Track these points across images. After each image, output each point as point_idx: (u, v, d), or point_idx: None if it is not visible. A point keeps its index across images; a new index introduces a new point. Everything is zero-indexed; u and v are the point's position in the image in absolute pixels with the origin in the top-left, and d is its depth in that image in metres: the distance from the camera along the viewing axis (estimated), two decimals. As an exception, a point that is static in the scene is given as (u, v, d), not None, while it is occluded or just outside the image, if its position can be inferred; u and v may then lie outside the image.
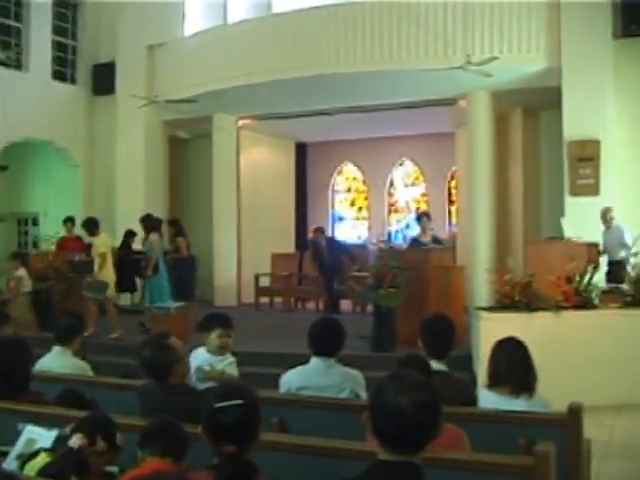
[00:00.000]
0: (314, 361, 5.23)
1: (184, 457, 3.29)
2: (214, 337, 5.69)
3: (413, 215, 21.43)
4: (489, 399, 4.77)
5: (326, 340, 5.23)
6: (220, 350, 5.70)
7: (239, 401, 2.97)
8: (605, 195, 12.87)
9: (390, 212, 21.81)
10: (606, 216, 12.03)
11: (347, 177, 22.42)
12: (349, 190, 22.45)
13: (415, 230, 20.71)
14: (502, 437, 4.19)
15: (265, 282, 16.63)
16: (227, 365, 5.69)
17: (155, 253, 12.18)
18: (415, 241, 12.59)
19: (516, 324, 8.55)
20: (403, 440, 2.51)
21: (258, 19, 15.53)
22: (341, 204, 22.46)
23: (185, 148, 19.12)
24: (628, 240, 11.61)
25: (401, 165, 21.63)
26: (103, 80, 17.92)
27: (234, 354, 5.84)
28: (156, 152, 17.52)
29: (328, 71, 14.01)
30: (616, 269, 11.51)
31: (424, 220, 12.43)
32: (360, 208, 22.09)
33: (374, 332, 10.33)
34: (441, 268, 10.83)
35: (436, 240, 12.28)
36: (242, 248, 17.70)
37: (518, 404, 4.66)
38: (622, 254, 11.63)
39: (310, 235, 16.21)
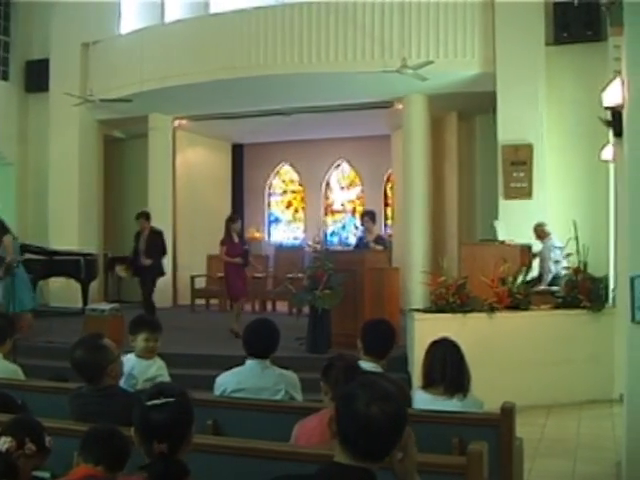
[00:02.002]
0: (249, 363, 5.21)
1: (122, 466, 3.24)
2: (140, 340, 5.63)
3: (350, 216, 21.53)
4: (423, 399, 4.80)
5: (260, 342, 5.21)
6: (147, 354, 5.63)
7: (171, 399, 2.95)
8: (537, 198, 13.09)
9: (326, 214, 21.85)
10: (537, 232, 12.24)
11: (283, 179, 22.39)
12: (285, 192, 22.43)
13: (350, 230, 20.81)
14: (436, 437, 4.22)
15: (201, 283, 16.55)
16: (155, 370, 5.62)
17: (9, 255, 11.57)
18: (360, 241, 12.52)
19: (450, 325, 8.64)
20: (368, 449, 2.50)
21: (195, 19, 15.44)
22: (277, 205, 22.42)
23: (120, 148, 18.90)
24: (550, 264, 11.88)
25: (337, 167, 21.67)
26: (36, 77, 17.60)
27: (161, 357, 5.77)
28: (90, 152, 17.29)
29: (264, 73, 14.00)
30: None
31: (366, 219, 12.27)
32: (296, 210, 22.08)
33: (309, 334, 10.33)
34: (376, 270, 10.85)
35: (379, 239, 12.14)
36: (178, 249, 17.60)
37: (452, 404, 4.70)
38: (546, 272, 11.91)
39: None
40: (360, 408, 2.48)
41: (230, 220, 12.96)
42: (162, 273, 13.34)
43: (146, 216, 13.32)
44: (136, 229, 13.29)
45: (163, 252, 13.28)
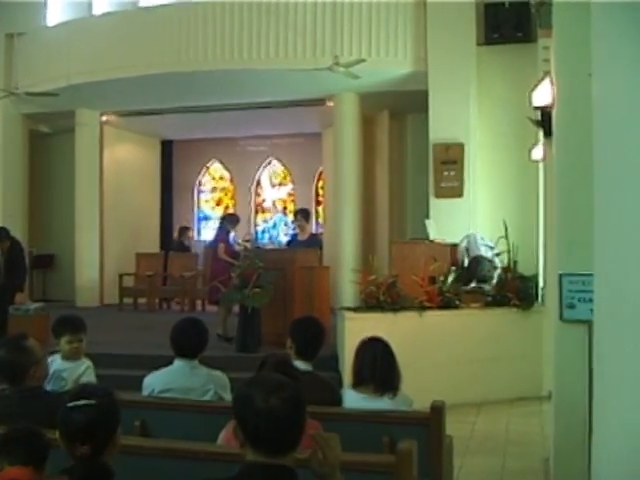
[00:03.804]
0: (177, 363, 5.20)
1: (45, 467, 3.19)
2: (63, 343, 5.55)
3: (280, 215, 21.52)
4: (353, 398, 4.82)
5: (188, 341, 5.20)
6: (73, 355, 5.55)
7: (92, 400, 2.92)
8: (468, 197, 13.22)
9: (257, 212, 21.80)
10: None
11: (213, 176, 22.26)
12: (215, 189, 22.30)
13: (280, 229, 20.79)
14: (366, 436, 4.24)
15: (129, 282, 16.36)
16: (84, 371, 5.55)
17: None
18: (293, 240, 12.50)
19: (381, 324, 8.68)
20: (281, 441, 2.55)
21: (124, 12, 15.20)
22: (207, 203, 22.28)
23: (47, 143, 18.56)
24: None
25: (268, 165, 21.64)
26: (-43, 70, 17.17)
27: (88, 357, 5.70)
28: (15, 146, 16.92)
29: (194, 68, 13.87)
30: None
31: (299, 217, 12.25)
32: (226, 207, 21.94)
33: (239, 333, 10.29)
34: (306, 268, 10.87)
35: (313, 238, 12.10)
36: (105, 247, 17.34)
37: (382, 403, 4.73)
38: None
39: None
40: (260, 405, 2.53)
41: (233, 220, 12.62)
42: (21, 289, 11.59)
43: (6, 233, 11.52)
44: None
45: (23, 267, 11.70)
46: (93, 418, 2.91)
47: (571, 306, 5.62)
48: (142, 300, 16.20)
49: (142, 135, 19.13)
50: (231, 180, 21.96)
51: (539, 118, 7.80)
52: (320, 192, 20.13)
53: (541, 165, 10.98)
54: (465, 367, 9.52)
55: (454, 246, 11.36)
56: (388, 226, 15.96)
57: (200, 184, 22.17)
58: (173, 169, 21.24)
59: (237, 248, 12.20)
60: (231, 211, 19.99)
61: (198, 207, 22.11)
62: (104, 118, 17.20)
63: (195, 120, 17.50)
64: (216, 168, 22.10)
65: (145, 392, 5.20)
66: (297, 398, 2.59)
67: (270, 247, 17.95)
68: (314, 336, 5.14)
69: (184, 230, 17.87)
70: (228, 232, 12.32)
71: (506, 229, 10.56)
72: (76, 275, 16.65)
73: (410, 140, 15.97)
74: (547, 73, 7.04)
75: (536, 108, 7.75)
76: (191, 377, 5.15)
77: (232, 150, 21.05)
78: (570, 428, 5.64)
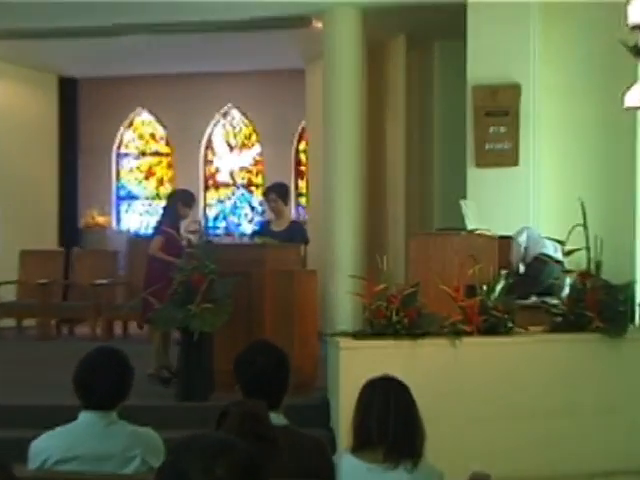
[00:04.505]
0: (85, 417, 5.18)
1: None
2: None
3: (243, 192, 21.54)
4: (354, 468, 4.82)
5: (101, 384, 5.17)
6: None
7: None
8: (526, 166, 13.17)
9: (207, 188, 21.78)
10: None
11: (141, 134, 22.24)
12: (144, 153, 22.27)
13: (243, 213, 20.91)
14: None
15: (9, 295, 16.32)
16: None
17: None
18: (263, 230, 12.51)
19: (394, 357, 8.70)
20: None
21: None
22: (131, 174, 22.27)
23: None
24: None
25: (225, 117, 21.65)
26: None
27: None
28: None
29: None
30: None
31: (272, 197, 12.22)
32: (161, 181, 21.97)
33: (181, 371, 10.30)
34: (283, 273, 10.87)
35: (295, 227, 12.12)
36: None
37: (397, 476, 4.73)
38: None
39: None
40: None
41: (188, 198, 12.52)
42: None
43: None
44: None
45: None
46: None
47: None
48: (30, 322, 16.18)
49: (28, 69, 19.05)
50: (167, 140, 21.94)
51: (638, 44, 7.80)
52: (302, 158, 20.15)
53: (640, 115, 10.99)
54: (523, 424, 9.51)
55: (504, 239, 11.37)
56: (404, 210, 16.01)
57: (120, 146, 22.14)
58: (79, 122, 21.22)
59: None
60: (171, 187, 20.00)
61: (117, 180, 22.09)
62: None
63: (111, 48, 17.46)
64: (145, 121, 22.10)
65: (35, 463, 5.17)
66: (250, 460, 2.55)
67: (228, 241, 17.96)
68: (268, 367, 5.06)
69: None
70: (178, 217, 12.18)
71: (584, 214, 10.54)
72: None
73: (438, 79, 15.99)
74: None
75: (634, 28, 7.74)
76: (106, 438, 5.13)
77: (169, 95, 21.01)
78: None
